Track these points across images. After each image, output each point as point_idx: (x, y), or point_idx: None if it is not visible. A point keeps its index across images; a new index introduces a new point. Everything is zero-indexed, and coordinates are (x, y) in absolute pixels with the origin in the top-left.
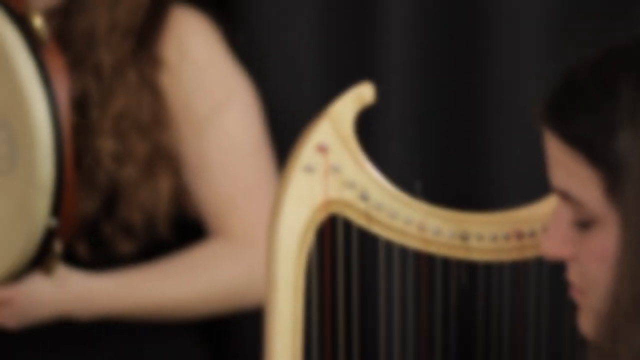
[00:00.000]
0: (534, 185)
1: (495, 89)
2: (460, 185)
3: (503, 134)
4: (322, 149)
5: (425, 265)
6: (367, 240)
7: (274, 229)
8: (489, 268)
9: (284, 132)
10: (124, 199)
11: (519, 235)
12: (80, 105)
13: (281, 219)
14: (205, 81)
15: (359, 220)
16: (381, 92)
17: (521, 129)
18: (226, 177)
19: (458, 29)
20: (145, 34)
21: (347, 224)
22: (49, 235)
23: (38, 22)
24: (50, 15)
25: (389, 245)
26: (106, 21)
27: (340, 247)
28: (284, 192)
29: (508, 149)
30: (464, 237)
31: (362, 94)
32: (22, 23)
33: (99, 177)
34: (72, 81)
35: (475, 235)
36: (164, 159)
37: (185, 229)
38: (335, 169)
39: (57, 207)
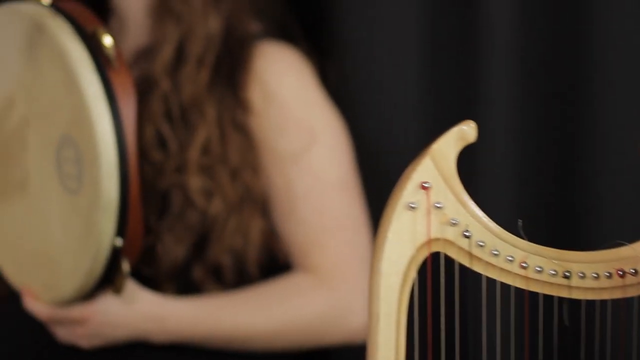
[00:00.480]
0: (637, 223)
1: (599, 126)
2: (562, 223)
3: (606, 172)
4: (425, 187)
5: (527, 303)
6: (469, 278)
7: (376, 266)
8: (591, 305)
9: (386, 170)
10: (214, 240)
11: (622, 274)
12: (162, 143)
13: (383, 256)
14: (291, 121)
15: (460, 258)
16: (483, 130)
17: (625, 167)
18: (312, 213)
19: (560, 65)
20: (229, 74)
21: (449, 262)
22: (116, 255)
23: (107, 40)
24: (138, 57)
25: (491, 283)
26: (170, 55)
27: (442, 285)
28: (387, 230)
29: (611, 186)
30: (566, 275)
31: (465, 132)
32: (91, 41)
33: (189, 217)
34: (150, 120)
35: (578, 273)
36: (254, 200)
37: (274, 273)
38: (438, 207)
39: (123, 227)
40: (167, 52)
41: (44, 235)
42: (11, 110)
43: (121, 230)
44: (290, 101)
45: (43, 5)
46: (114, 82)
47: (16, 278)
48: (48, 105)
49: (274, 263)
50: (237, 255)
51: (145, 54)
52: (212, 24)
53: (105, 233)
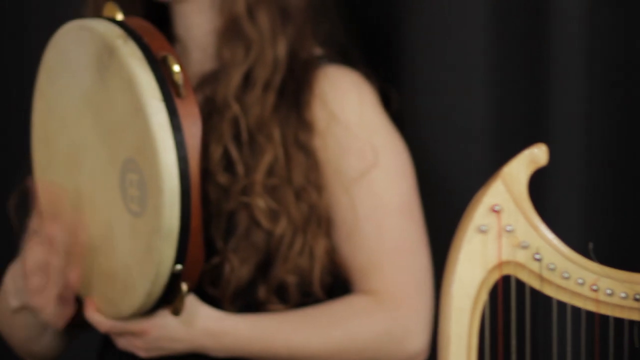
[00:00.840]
0: None
1: None
2: (633, 246)
3: None
4: (496, 210)
5: (597, 326)
6: (540, 301)
7: (447, 289)
8: None
9: (456, 193)
10: (279, 260)
11: None
12: (228, 165)
13: (454, 279)
14: (354, 142)
15: (531, 280)
16: (553, 152)
17: None
18: (373, 235)
19: (626, 88)
20: (294, 96)
21: (520, 284)
22: (175, 279)
23: (177, 68)
24: (204, 81)
25: (562, 306)
26: (239, 78)
27: (513, 308)
28: (457, 253)
29: None
30: (637, 298)
31: (536, 155)
32: (160, 68)
33: (255, 237)
34: (215, 142)
35: None
36: (319, 220)
37: (338, 293)
38: (509, 230)
39: (183, 254)
40: (236, 76)
41: (107, 249)
42: (79, 121)
43: (181, 257)
44: (353, 122)
45: (115, 24)
46: (181, 111)
47: (79, 288)
48: (115, 125)
49: (338, 283)
50: (301, 275)
51: (211, 78)
52: (280, 48)
53: (165, 260)
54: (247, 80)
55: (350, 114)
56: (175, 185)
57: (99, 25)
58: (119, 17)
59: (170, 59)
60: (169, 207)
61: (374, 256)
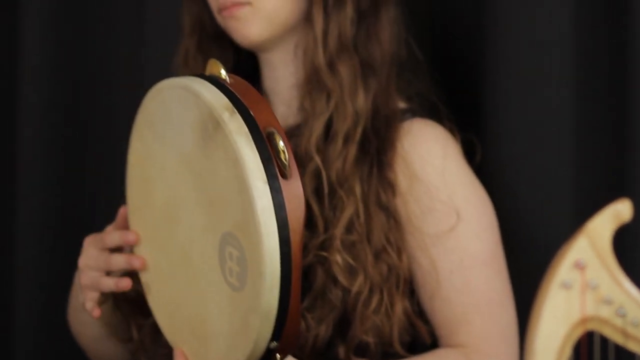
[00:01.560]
0: None
1: None
2: None
3: None
4: (580, 266)
5: None
6: (624, 356)
7: (530, 344)
8: None
9: (539, 249)
10: (357, 319)
11: None
12: (308, 219)
13: (538, 334)
14: (437, 202)
15: (615, 336)
16: (638, 208)
17: None
18: (458, 291)
19: None
20: (375, 152)
21: (604, 340)
22: (270, 353)
23: (282, 145)
24: (288, 135)
25: None
26: (319, 131)
27: None
28: (541, 308)
29: None
30: None
31: (620, 211)
32: (266, 145)
33: (332, 295)
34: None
35: None
36: (398, 281)
37: (418, 351)
38: (593, 285)
39: (279, 332)
40: (317, 128)
41: (202, 310)
42: (179, 179)
43: (277, 335)
44: (436, 182)
45: (221, 90)
46: (285, 193)
47: (171, 337)
48: (217, 196)
49: (418, 341)
50: (380, 335)
51: (295, 132)
52: (360, 101)
53: (261, 337)
54: (328, 132)
55: (432, 173)
56: (277, 269)
57: (206, 92)
58: (223, 74)
59: (277, 136)
60: (269, 290)
61: (461, 310)
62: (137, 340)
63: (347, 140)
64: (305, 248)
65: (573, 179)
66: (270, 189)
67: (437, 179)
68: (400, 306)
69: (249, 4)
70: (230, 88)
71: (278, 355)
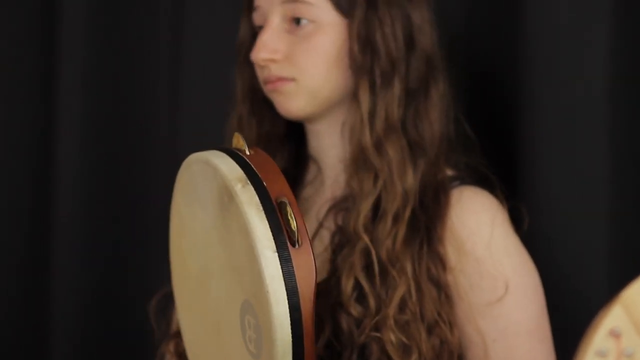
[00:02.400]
0: None
1: None
2: None
3: None
4: (615, 334)
5: None
6: None
7: None
8: None
9: (575, 317)
10: None
11: None
12: (359, 297)
13: None
14: (487, 275)
15: None
16: None
17: None
18: (502, 356)
19: None
20: (425, 227)
21: None
22: None
23: (292, 214)
24: (335, 206)
25: None
26: (368, 211)
27: None
28: None
29: None
30: None
31: None
32: (277, 214)
33: None
34: (346, 274)
35: None
36: (450, 356)
37: None
38: (628, 354)
39: None
40: (365, 208)
41: None
42: (208, 249)
43: None
44: (486, 255)
45: (238, 162)
46: (295, 261)
47: None
48: (237, 265)
49: None
50: None
51: (342, 205)
52: (409, 181)
53: None
54: (377, 211)
55: (480, 245)
56: (287, 335)
57: (223, 164)
58: (244, 146)
59: (288, 207)
60: (281, 356)
61: None
62: None
63: (396, 219)
64: (359, 325)
65: (612, 246)
66: (279, 257)
67: (484, 251)
68: None
69: (293, 79)
70: (247, 160)
71: None
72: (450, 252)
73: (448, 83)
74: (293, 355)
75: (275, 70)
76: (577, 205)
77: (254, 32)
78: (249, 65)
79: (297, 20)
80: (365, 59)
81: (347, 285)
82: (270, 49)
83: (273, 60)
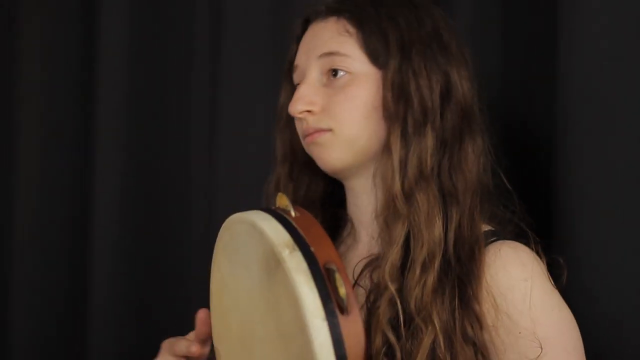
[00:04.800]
0: None
1: None
2: None
3: None
4: None
5: None
6: None
7: None
8: None
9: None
10: None
11: None
12: (388, 349)
13: None
14: (524, 334)
15: None
16: None
17: None
18: None
19: None
20: (459, 281)
21: None
22: None
23: (341, 281)
24: (370, 265)
25: None
26: (393, 260)
27: None
28: None
29: None
30: None
31: None
32: (325, 281)
33: None
34: (373, 330)
35: None
36: None
37: None
38: None
39: None
40: (392, 256)
41: None
42: (250, 310)
43: None
44: (524, 313)
45: (285, 227)
46: (344, 329)
47: None
48: (282, 330)
49: None
50: None
51: (378, 262)
52: (438, 231)
53: None
54: (406, 260)
55: (518, 304)
56: None
57: (269, 229)
58: (289, 207)
59: (336, 274)
60: None
61: None
62: None
63: (424, 268)
64: None
65: None
66: (329, 325)
67: (522, 309)
68: None
69: (330, 130)
70: (293, 223)
71: None
72: (487, 310)
73: (485, 135)
74: None
75: (313, 122)
76: (619, 258)
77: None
78: (290, 128)
79: (334, 73)
80: (398, 108)
81: (377, 339)
82: (307, 100)
83: (311, 112)
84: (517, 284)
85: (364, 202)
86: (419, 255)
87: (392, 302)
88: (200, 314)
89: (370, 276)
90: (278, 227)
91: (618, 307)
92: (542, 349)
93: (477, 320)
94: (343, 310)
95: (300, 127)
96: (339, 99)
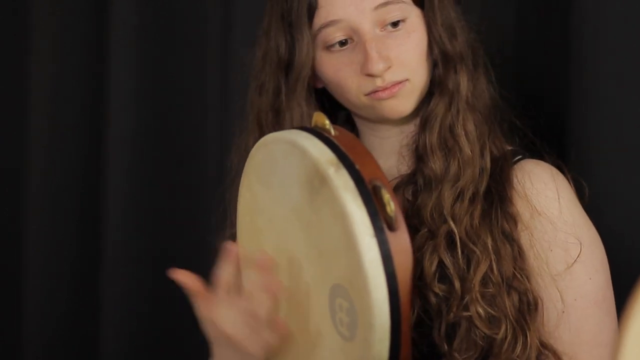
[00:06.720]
0: None
1: None
2: None
3: None
4: None
5: None
6: None
7: None
8: None
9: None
10: (497, 356)
11: None
12: (442, 276)
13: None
14: (558, 236)
15: None
16: None
17: None
18: (571, 328)
19: None
20: (495, 194)
21: None
22: None
23: (388, 198)
24: (403, 185)
25: None
26: (454, 193)
27: None
28: (626, 335)
29: None
30: None
31: None
32: (372, 199)
33: (476, 340)
34: (428, 257)
35: None
36: (529, 308)
37: None
38: None
39: None
40: (448, 189)
41: (310, 353)
42: (288, 229)
43: None
44: (555, 216)
45: (327, 145)
46: (393, 246)
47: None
48: (326, 249)
49: None
50: None
51: (412, 183)
52: (487, 159)
53: None
54: (456, 192)
55: (551, 208)
56: (386, 321)
57: (312, 147)
58: (328, 125)
59: (383, 189)
60: (379, 341)
61: (570, 348)
62: None
63: (474, 197)
64: (447, 302)
65: None
66: (378, 242)
67: (556, 215)
68: (535, 337)
69: (407, 80)
70: (335, 141)
71: None
72: (523, 211)
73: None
74: (390, 340)
75: (390, 77)
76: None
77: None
78: (309, 89)
79: (393, 24)
80: (453, 45)
81: (431, 266)
82: (384, 57)
83: (388, 68)
84: (548, 193)
85: (391, 135)
86: (469, 186)
87: (448, 233)
88: (230, 246)
89: (405, 195)
90: (320, 145)
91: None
92: (576, 252)
93: (513, 218)
94: (391, 227)
95: (368, 86)
96: (408, 47)
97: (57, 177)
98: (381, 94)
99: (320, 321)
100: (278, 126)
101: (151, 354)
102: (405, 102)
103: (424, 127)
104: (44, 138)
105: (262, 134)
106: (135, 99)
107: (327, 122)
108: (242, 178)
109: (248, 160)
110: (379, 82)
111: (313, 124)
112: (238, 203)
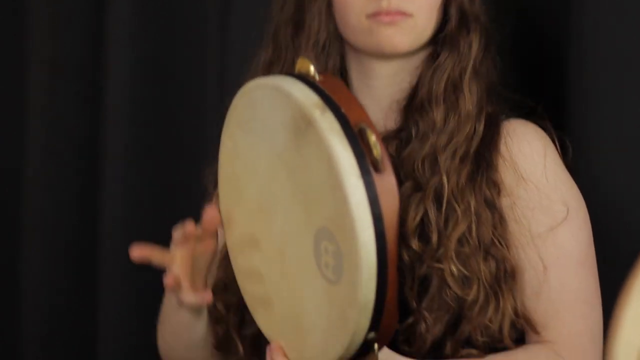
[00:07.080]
0: None
1: None
2: None
3: None
4: None
5: None
6: None
7: (611, 350)
8: None
9: (627, 245)
10: (469, 320)
11: None
12: (422, 231)
13: (619, 340)
14: (542, 200)
15: None
16: None
17: None
18: (554, 287)
19: None
20: (482, 159)
21: None
22: (368, 343)
23: (374, 141)
24: (391, 138)
25: None
26: (449, 148)
27: None
28: (623, 313)
29: None
30: None
31: None
32: (358, 140)
33: (447, 299)
34: (413, 208)
35: None
36: (506, 277)
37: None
38: None
39: (377, 323)
40: (442, 144)
41: (298, 304)
42: (272, 175)
43: (375, 326)
44: (539, 180)
45: (311, 88)
46: (379, 187)
47: (268, 331)
48: (311, 191)
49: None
50: (491, 334)
51: (400, 137)
52: (482, 120)
53: (359, 330)
54: (452, 148)
55: (536, 171)
56: (373, 262)
57: (296, 91)
58: (312, 71)
59: (369, 132)
60: (365, 282)
61: (554, 307)
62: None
63: (464, 157)
64: (420, 258)
65: None
66: (364, 183)
67: (540, 178)
68: (510, 304)
69: (411, 15)
70: (320, 86)
71: (376, 345)
72: (506, 177)
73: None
74: (377, 282)
75: (396, 3)
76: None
77: None
78: (328, 5)
79: None
80: (472, 5)
81: (414, 219)
82: None
83: None
84: (533, 155)
85: (383, 84)
86: (462, 143)
87: (435, 189)
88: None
89: (393, 148)
90: (305, 89)
91: (619, 193)
92: (561, 215)
93: (496, 187)
94: (378, 169)
95: (373, 5)
96: None
97: (56, 177)
98: (383, 17)
99: (304, 266)
100: (296, 39)
101: (151, 354)
102: (402, 35)
103: (431, 76)
104: (43, 138)
105: (276, 48)
106: (135, 99)
107: (312, 67)
108: (223, 129)
109: (230, 109)
110: (384, 4)
111: (297, 70)
112: (220, 152)
